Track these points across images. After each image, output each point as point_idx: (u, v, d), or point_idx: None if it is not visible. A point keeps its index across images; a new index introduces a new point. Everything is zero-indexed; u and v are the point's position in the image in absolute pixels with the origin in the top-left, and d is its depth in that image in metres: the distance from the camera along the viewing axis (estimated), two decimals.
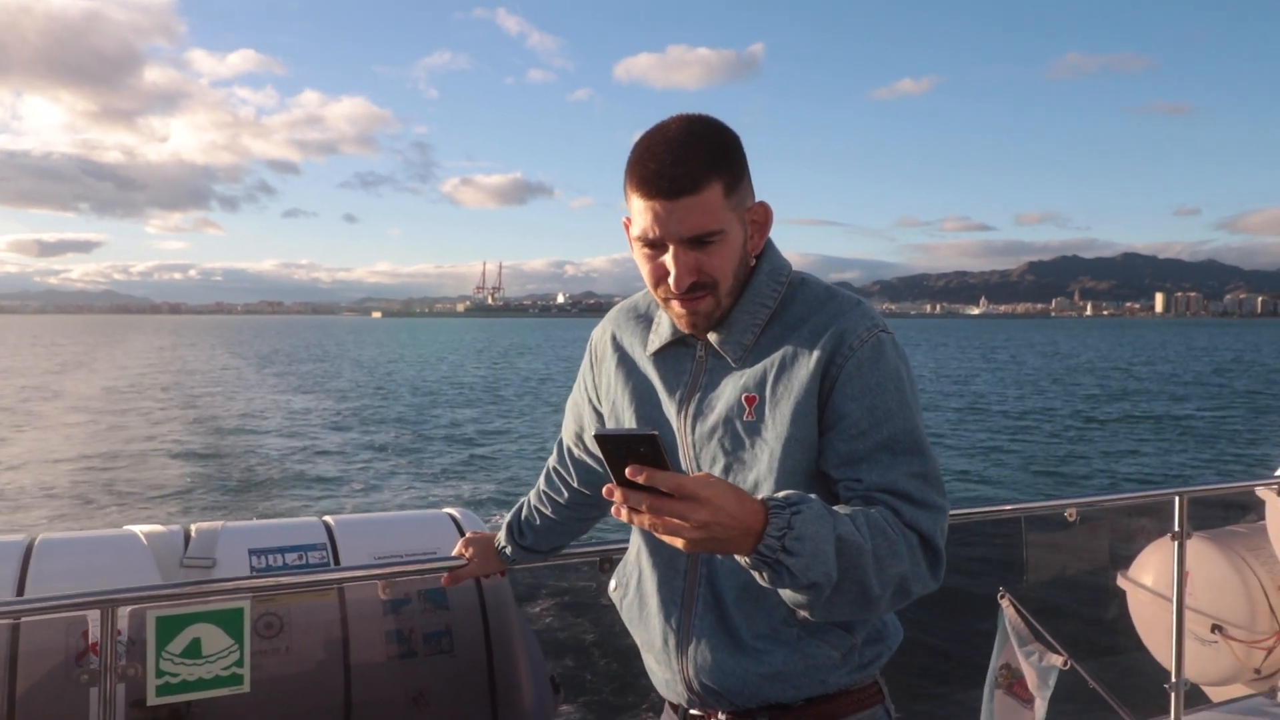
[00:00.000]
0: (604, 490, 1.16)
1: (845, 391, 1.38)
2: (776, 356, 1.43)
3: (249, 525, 2.67)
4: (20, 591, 2.25)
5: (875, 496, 1.34)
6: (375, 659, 2.35)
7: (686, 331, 1.50)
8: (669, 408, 1.53)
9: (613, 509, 1.15)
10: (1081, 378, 45.78)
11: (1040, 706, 2.64)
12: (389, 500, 16.20)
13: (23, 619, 2.10)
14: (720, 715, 1.52)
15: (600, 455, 1.71)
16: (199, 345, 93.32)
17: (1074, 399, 33.61)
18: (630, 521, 1.14)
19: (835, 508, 1.26)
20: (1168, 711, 3.01)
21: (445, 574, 2.05)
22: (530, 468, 19.51)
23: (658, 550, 1.56)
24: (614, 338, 1.67)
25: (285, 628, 2.28)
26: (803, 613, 1.26)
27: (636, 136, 1.43)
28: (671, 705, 1.61)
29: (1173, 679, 3.04)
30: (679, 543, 1.13)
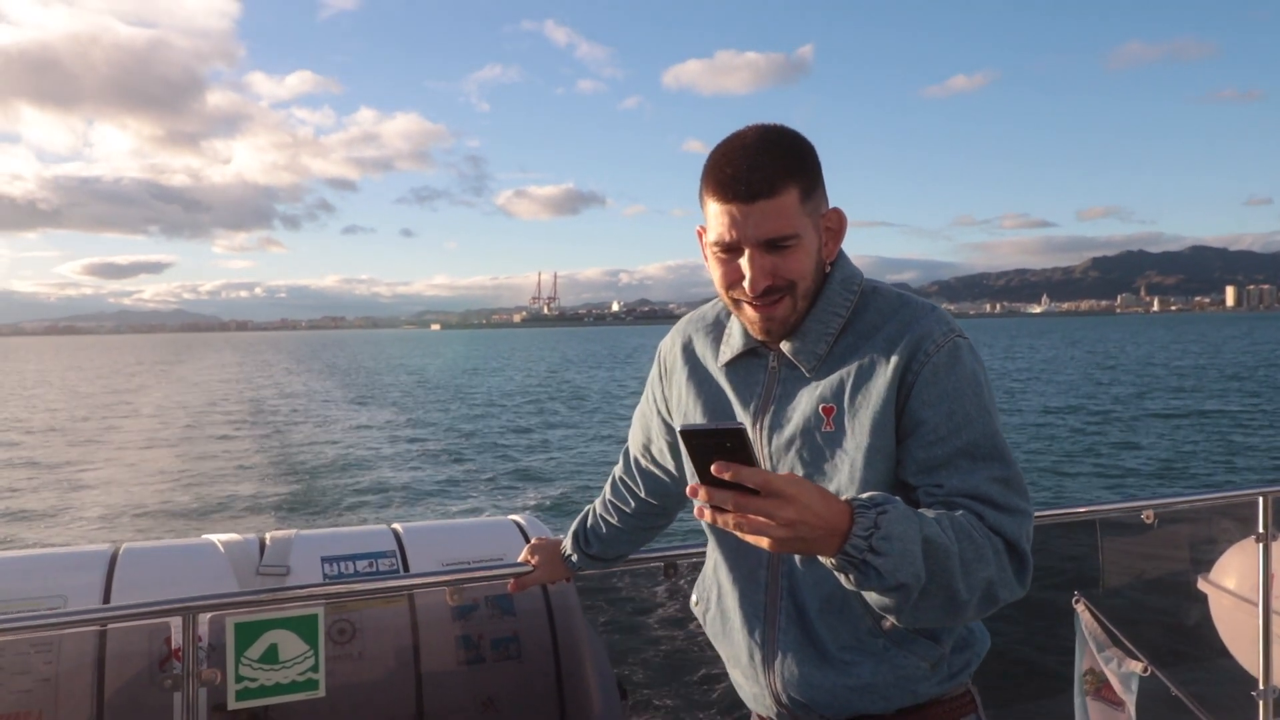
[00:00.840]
0: (688, 489, 1.14)
1: (923, 397, 1.36)
2: (853, 366, 1.42)
3: (321, 534, 2.72)
4: (106, 598, 2.32)
5: (957, 502, 1.31)
6: (445, 665, 2.37)
7: (760, 338, 1.49)
8: (743, 419, 1.51)
9: (695, 509, 1.14)
10: (1121, 375, 44.67)
11: (1130, 711, 2.57)
12: (455, 508, 16.45)
13: (109, 625, 2.16)
14: None
15: (681, 453, 1.71)
16: (267, 362, 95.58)
17: (1101, 398, 32.98)
18: (714, 522, 1.12)
19: (919, 511, 1.25)
20: None
21: (511, 580, 2.06)
22: (592, 474, 19.63)
23: (736, 565, 1.55)
24: (684, 348, 1.66)
25: (358, 634, 2.32)
26: (889, 619, 1.24)
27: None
28: (761, 718, 1.59)
29: (1260, 687, 2.92)
30: (764, 543, 1.12)
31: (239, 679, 1.96)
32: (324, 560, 2.55)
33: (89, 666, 2.14)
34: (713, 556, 1.63)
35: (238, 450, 23.97)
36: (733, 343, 1.55)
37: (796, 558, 1.45)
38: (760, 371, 1.51)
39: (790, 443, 1.44)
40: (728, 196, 1.36)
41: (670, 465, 1.79)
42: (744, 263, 1.39)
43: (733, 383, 1.54)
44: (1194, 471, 18.10)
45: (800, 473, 1.43)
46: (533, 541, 2.09)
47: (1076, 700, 2.77)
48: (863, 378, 1.40)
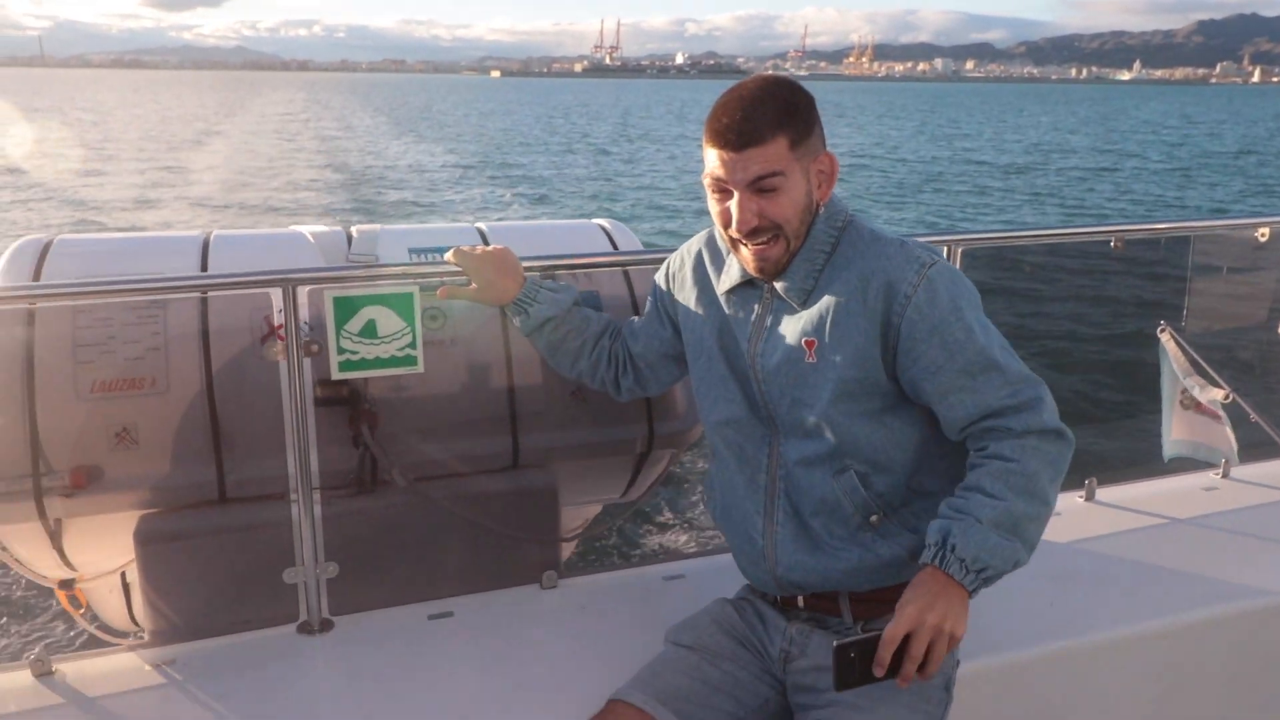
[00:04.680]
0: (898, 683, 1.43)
1: (915, 336, 1.52)
2: (830, 301, 1.58)
3: (407, 228, 2.72)
4: None
5: (981, 430, 1.52)
6: (532, 355, 2.42)
7: (755, 275, 1.65)
8: (742, 343, 1.70)
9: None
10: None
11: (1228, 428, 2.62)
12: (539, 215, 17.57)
13: (210, 294, 2.20)
14: (802, 597, 1.73)
15: (672, 351, 1.96)
16: (337, 103, 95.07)
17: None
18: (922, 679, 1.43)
19: (965, 480, 1.51)
20: None
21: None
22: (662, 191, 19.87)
23: (740, 468, 1.75)
24: (695, 265, 1.81)
25: (447, 322, 2.35)
26: (876, 514, 1.62)
27: None
28: (755, 591, 1.82)
29: None
30: (950, 646, 1.41)
31: (340, 350, 1.99)
32: (411, 252, 2.56)
33: (194, 336, 2.18)
34: (721, 454, 1.81)
35: (317, 165, 25.13)
36: (731, 274, 1.72)
37: (792, 464, 1.66)
38: (755, 301, 1.69)
39: (778, 370, 1.63)
40: (719, 143, 1.52)
41: (669, 356, 1.94)
42: (732, 205, 1.54)
43: (732, 309, 1.73)
44: None
45: (787, 397, 1.63)
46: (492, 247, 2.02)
47: (1165, 418, 2.79)
48: (840, 314, 1.57)
